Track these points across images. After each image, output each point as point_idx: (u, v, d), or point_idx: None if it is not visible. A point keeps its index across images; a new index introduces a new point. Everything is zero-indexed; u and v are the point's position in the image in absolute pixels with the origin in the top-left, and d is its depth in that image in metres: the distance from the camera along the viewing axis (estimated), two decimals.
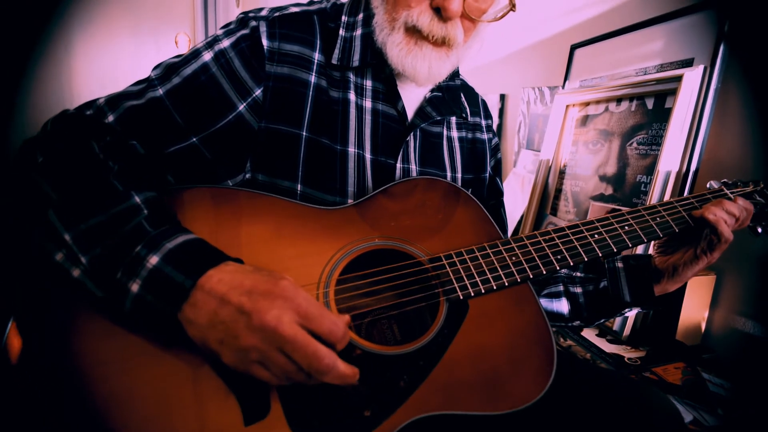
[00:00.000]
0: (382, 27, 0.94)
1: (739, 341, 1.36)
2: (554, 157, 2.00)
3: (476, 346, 0.81)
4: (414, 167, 1.04)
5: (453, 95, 1.15)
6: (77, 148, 0.76)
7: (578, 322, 1.13)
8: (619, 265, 1.09)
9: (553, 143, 2.00)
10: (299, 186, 0.93)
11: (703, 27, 1.54)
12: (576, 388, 0.88)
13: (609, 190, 1.71)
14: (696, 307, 1.41)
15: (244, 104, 0.89)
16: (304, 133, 0.93)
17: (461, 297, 0.84)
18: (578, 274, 1.15)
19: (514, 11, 0.94)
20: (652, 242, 1.19)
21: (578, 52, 2.04)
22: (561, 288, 1.14)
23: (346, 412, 0.72)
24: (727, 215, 1.00)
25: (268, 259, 0.79)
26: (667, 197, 1.47)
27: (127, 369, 0.68)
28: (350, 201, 0.95)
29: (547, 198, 2.02)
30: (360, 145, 0.98)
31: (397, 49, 0.93)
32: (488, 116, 1.26)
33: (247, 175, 0.92)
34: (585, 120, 1.90)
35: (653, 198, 1.49)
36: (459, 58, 0.98)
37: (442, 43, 0.92)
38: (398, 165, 1.01)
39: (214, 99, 0.88)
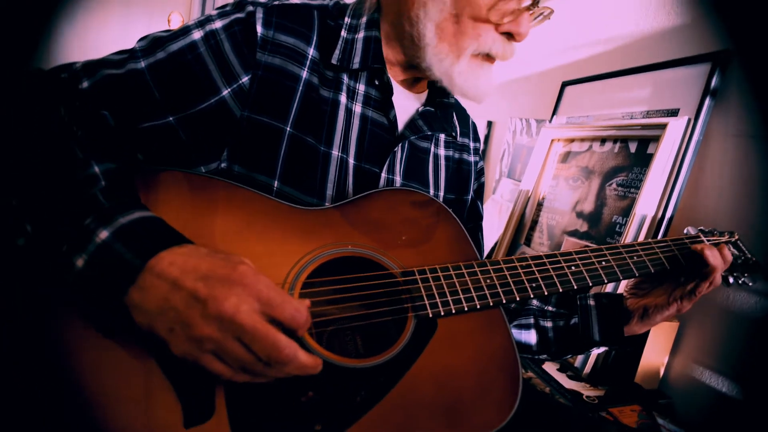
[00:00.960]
0: (441, 58, 0.93)
1: (696, 391, 1.34)
2: (534, 188, 1.99)
3: (441, 368, 0.76)
4: (398, 179, 1.01)
5: (445, 112, 1.12)
6: (41, 109, 0.70)
7: (545, 356, 1.10)
8: (591, 302, 1.07)
9: (535, 175, 1.99)
10: (276, 182, 0.88)
11: (691, 80, 1.55)
12: (535, 421, 0.85)
13: (584, 227, 1.69)
14: (657, 352, 1.39)
15: (229, 90, 0.84)
16: (288, 129, 0.88)
17: (431, 315, 0.80)
18: (549, 308, 1.13)
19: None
20: (625, 281, 1.17)
21: (569, 89, 2.04)
22: (531, 320, 1.11)
23: (295, 424, 0.67)
24: (722, 262, 0.99)
25: (233, 251, 0.73)
26: (641, 240, 1.46)
27: (74, 352, 0.62)
28: (327, 204, 0.91)
29: (522, 228, 2.00)
30: (344, 149, 0.94)
31: (463, 77, 0.93)
32: (477, 139, 1.23)
33: (223, 165, 0.87)
34: (568, 156, 1.90)
35: (627, 239, 1.48)
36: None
37: (491, 59, 0.94)
38: (383, 174, 0.98)
39: (198, 80, 0.83)
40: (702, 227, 1.16)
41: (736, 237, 1.13)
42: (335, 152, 0.93)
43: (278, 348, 0.58)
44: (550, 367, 1.47)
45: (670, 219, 1.46)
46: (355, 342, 0.85)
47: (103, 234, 0.61)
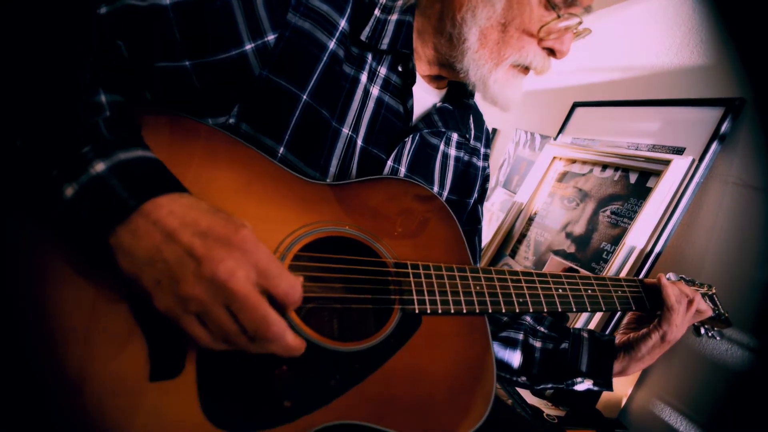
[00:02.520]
0: (480, 64, 0.90)
1: (653, 427, 1.35)
2: (528, 202, 1.98)
3: (418, 366, 0.74)
4: (403, 170, 0.98)
5: (463, 113, 1.09)
6: (52, 27, 0.66)
7: (524, 378, 1.08)
8: (585, 334, 1.07)
9: (531, 189, 1.97)
10: (282, 149, 0.85)
11: (701, 121, 1.54)
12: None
13: (571, 248, 1.69)
14: (622, 382, 1.39)
15: (252, 45, 0.80)
16: (305, 97, 0.85)
17: (417, 311, 0.78)
18: (541, 329, 1.11)
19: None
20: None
21: (579, 110, 2.03)
22: (521, 336, 1.09)
23: (265, 397, 0.64)
24: (679, 292, 1.02)
25: (229, 211, 0.70)
26: (625, 271, 1.46)
27: (44, 283, 0.58)
28: (328, 181, 0.88)
29: (510, 239, 1.99)
30: (355, 129, 0.91)
31: (498, 85, 0.91)
32: (488, 146, 1.21)
33: (231, 120, 0.83)
34: (567, 175, 1.89)
35: (612, 268, 1.48)
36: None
37: (525, 69, 0.93)
38: (389, 162, 0.95)
39: (223, 28, 0.78)
40: (683, 275, 1.16)
41: (713, 290, 1.14)
42: (346, 130, 0.90)
43: (267, 323, 0.55)
44: None
45: (658, 254, 1.46)
46: (332, 325, 0.82)
47: (100, 166, 0.57)
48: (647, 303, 1.04)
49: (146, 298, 0.56)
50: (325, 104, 0.87)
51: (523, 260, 1.88)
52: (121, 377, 0.58)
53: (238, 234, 0.57)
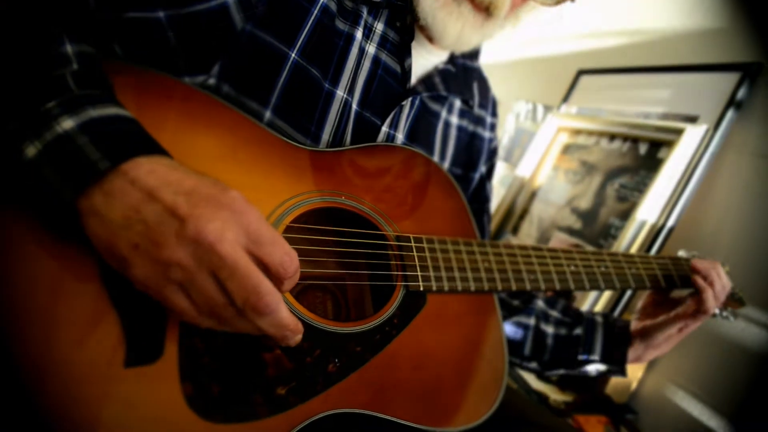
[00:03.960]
0: None
1: (665, 411, 1.34)
2: (531, 177, 1.95)
3: (424, 348, 0.72)
4: (400, 137, 0.94)
5: (467, 77, 1.05)
6: None
7: (534, 364, 1.08)
8: (599, 319, 1.06)
9: (534, 163, 1.95)
10: (268, 113, 0.80)
11: (715, 88, 1.52)
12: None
13: (577, 225, 1.66)
14: (633, 365, 1.38)
15: None
16: (293, 55, 0.80)
17: (421, 288, 0.75)
18: (554, 313, 1.10)
19: (573, 1, 0.86)
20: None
21: (584, 78, 2.00)
22: (532, 322, 1.08)
23: (256, 384, 0.60)
24: (717, 282, 1.00)
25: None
26: (636, 247, 1.45)
27: (5, 255, 0.53)
28: (321, 148, 0.84)
29: (511, 216, 1.97)
30: (350, 91, 0.87)
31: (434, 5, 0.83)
32: (495, 114, 1.17)
33: (211, 80, 0.78)
34: (572, 148, 1.86)
35: (622, 245, 1.46)
36: (491, 32, 0.89)
37: (484, 8, 0.83)
38: (384, 128, 0.91)
39: None
40: (696, 252, 1.15)
41: (727, 268, 1.12)
42: (340, 93, 0.86)
43: (259, 293, 0.51)
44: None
45: (670, 230, 1.44)
46: (325, 305, 0.79)
47: (68, 123, 0.53)
48: (663, 283, 1.02)
49: (122, 267, 0.52)
50: (316, 63, 0.82)
51: (525, 238, 1.86)
52: (92, 363, 0.54)
53: (227, 194, 0.53)
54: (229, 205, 0.52)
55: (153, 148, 0.56)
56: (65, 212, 0.53)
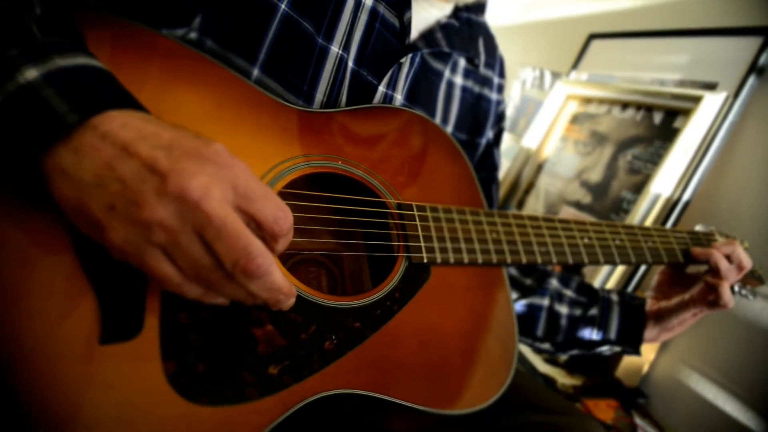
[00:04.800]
0: None
1: (678, 394, 1.33)
2: (538, 148, 1.92)
3: (428, 324, 0.69)
4: (399, 98, 0.90)
5: (472, 32, 1.01)
6: None
7: (547, 345, 1.06)
8: (615, 297, 1.05)
9: (541, 133, 1.93)
10: (256, 70, 0.76)
11: (736, 53, 1.49)
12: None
13: (587, 199, 1.64)
14: (644, 347, 1.36)
15: None
16: (283, 6, 0.76)
17: (425, 260, 0.72)
18: (568, 292, 1.09)
19: None
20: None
21: (595, 42, 1.96)
22: (546, 302, 1.06)
23: (246, 362, 0.58)
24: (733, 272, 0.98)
25: None
26: (649, 222, 1.43)
27: None
28: (314, 108, 0.80)
29: (516, 189, 1.95)
30: (346, 47, 0.83)
31: None
32: (503, 75, 1.13)
33: (192, 34, 0.74)
34: (582, 117, 1.82)
35: (635, 220, 1.43)
36: None
37: None
38: (381, 88, 0.87)
39: None
40: (713, 227, 1.13)
41: (746, 245, 1.11)
42: (335, 48, 0.82)
43: (249, 254, 0.48)
44: (525, 348, 1.44)
45: (686, 204, 1.42)
46: (319, 280, 0.76)
47: (31, 73, 0.49)
48: (681, 258, 1.00)
49: (96, 232, 0.49)
50: (309, 15, 0.79)
51: (531, 213, 1.84)
52: (66, 341, 0.51)
53: (210, 147, 0.50)
54: (213, 158, 0.49)
55: (127, 101, 0.53)
56: (30, 173, 0.49)
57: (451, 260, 0.74)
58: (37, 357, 0.50)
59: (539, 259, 0.82)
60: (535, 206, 1.84)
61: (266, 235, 0.51)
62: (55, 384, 0.50)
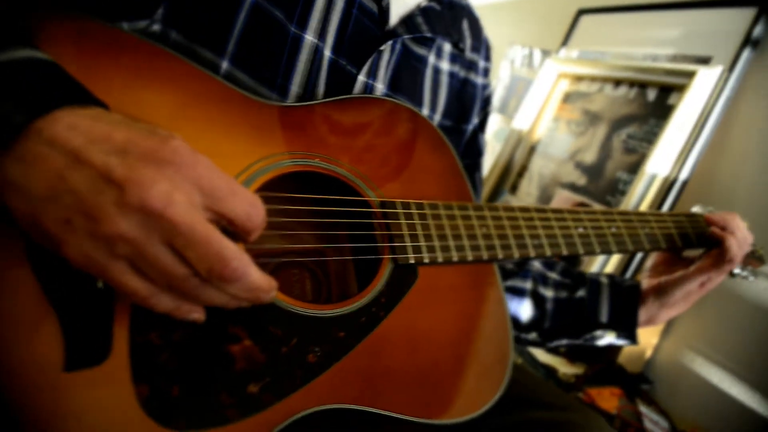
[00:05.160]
0: None
1: (683, 378, 1.33)
2: (530, 129, 1.91)
3: (417, 329, 0.67)
4: (381, 87, 0.88)
5: (455, 15, 0.98)
6: None
7: (533, 335, 1.03)
8: (604, 279, 1.02)
9: (532, 114, 1.91)
10: (225, 63, 0.73)
11: (729, 26, 1.47)
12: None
13: (582, 181, 1.62)
14: (646, 331, 1.36)
15: None
16: None
17: (411, 260, 0.70)
18: (553, 275, 1.06)
19: None
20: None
21: (585, 18, 1.93)
22: (529, 285, 1.03)
23: (224, 381, 0.55)
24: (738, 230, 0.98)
25: None
26: (646, 203, 1.41)
27: None
28: (288, 102, 0.78)
29: (508, 173, 1.93)
30: (321, 35, 0.80)
31: None
32: (489, 58, 1.11)
33: (155, 27, 0.70)
34: (574, 96, 1.80)
35: (631, 201, 1.42)
36: None
37: None
38: (360, 78, 0.85)
39: None
40: (712, 207, 1.12)
41: (746, 225, 1.09)
42: (309, 37, 0.79)
43: (224, 258, 0.46)
44: None
45: (684, 183, 1.40)
46: (303, 284, 0.74)
47: None
48: (679, 242, 0.99)
49: (54, 247, 0.46)
50: (279, 3, 0.76)
51: (525, 197, 1.82)
52: (26, 371, 0.48)
53: (168, 145, 0.47)
54: (172, 158, 0.47)
55: (75, 95, 0.50)
56: None
57: (440, 259, 0.72)
58: None
59: (532, 253, 0.80)
60: (528, 189, 1.82)
61: (239, 232, 0.50)
62: (21, 418, 0.48)
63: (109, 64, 0.61)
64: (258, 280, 0.49)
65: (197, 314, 0.51)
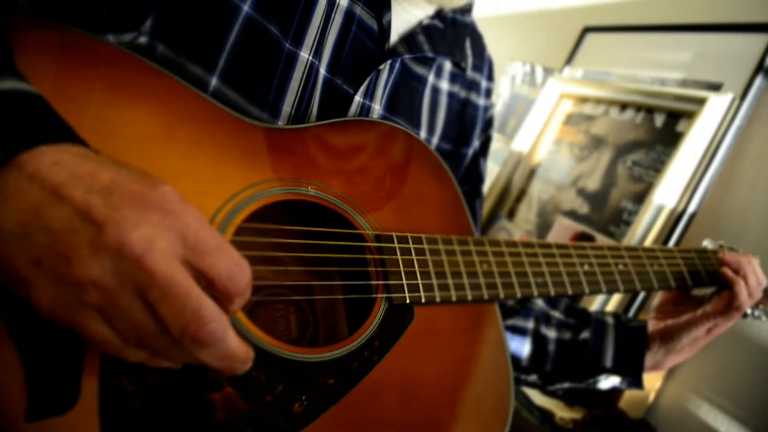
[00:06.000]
0: None
1: (686, 425, 1.32)
2: (529, 151, 1.92)
3: (412, 375, 0.66)
4: (378, 108, 0.89)
5: (458, 33, 0.99)
6: None
7: (534, 377, 1.03)
8: (609, 320, 1.03)
9: (532, 135, 1.92)
10: (214, 79, 0.73)
11: (742, 51, 1.50)
12: None
13: (584, 209, 1.63)
14: (649, 374, 1.36)
15: None
16: (245, 8, 0.74)
17: (407, 300, 0.70)
18: (556, 314, 1.06)
19: None
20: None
21: (590, 36, 1.96)
22: (530, 325, 1.04)
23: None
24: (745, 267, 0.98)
25: (142, 166, 0.58)
26: (653, 235, 1.42)
27: None
28: (280, 124, 0.78)
29: (506, 197, 1.94)
30: (317, 52, 0.81)
31: None
32: (491, 77, 1.12)
33: (142, 39, 0.70)
34: (576, 118, 1.82)
35: (637, 232, 1.42)
36: None
37: None
38: (357, 98, 0.85)
39: None
40: (722, 242, 1.13)
41: (757, 260, 1.10)
42: (304, 54, 0.79)
43: (201, 319, 0.44)
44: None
45: (692, 215, 1.41)
46: (287, 321, 0.73)
47: None
48: (690, 281, 0.99)
49: (21, 290, 0.45)
50: (275, 17, 0.76)
51: (523, 223, 1.82)
52: None
53: (156, 190, 0.46)
54: (160, 204, 0.46)
55: (61, 133, 0.49)
56: None
57: (437, 299, 0.72)
58: None
59: (535, 292, 0.81)
60: (527, 215, 1.82)
61: (219, 295, 0.48)
62: None
63: (89, 77, 0.61)
64: (235, 348, 0.48)
65: (169, 363, 0.50)
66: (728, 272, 0.98)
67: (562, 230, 1.66)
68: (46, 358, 0.49)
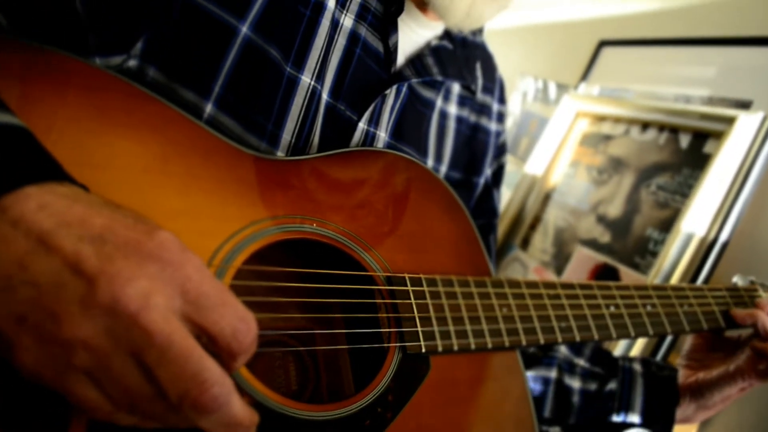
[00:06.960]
0: None
1: None
2: (543, 175, 1.92)
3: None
4: (383, 135, 0.90)
5: (468, 55, 1.01)
6: None
7: (557, 429, 1.04)
8: (637, 368, 1.03)
9: (547, 157, 1.93)
10: (209, 106, 0.74)
11: None
12: None
13: (605, 237, 1.62)
14: (678, 427, 1.34)
15: None
16: (244, 30, 0.75)
17: (423, 349, 0.69)
18: (581, 362, 1.07)
19: None
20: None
21: (607, 50, 1.98)
22: (553, 374, 1.04)
23: None
24: None
25: (135, 203, 0.58)
26: (682, 267, 1.40)
27: None
28: (280, 154, 0.78)
29: (519, 225, 1.94)
30: (319, 76, 0.81)
31: None
32: (503, 100, 1.14)
33: (132, 62, 0.71)
34: (594, 138, 1.82)
35: (664, 264, 1.41)
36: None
37: None
38: (361, 125, 0.87)
39: None
40: (753, 277, 1.11)
41: None
42: (306, 78, 0.80)
43: (203, 384, 0.43)
44: None
45: (724, 245, 1.40)
46: (286, 371, 0.73)
47: None
48: (723, 323, 0.98)
49: (3, 349, 0.44)
50: (276, 40, 0.77)
51: (539, 253, 1.82)
52: None
53: (154, 237, 0.46)
54: (158, 254, 0.45)
55: (48, 171, 0.48)
56: None
57: (455, 347, 0.71)
58: None
59: (560, 338, 0.81)
60: (543, 245, 1.82)
61: (222, 353, 0.47)
62: None
63: (75, 105, 0.61)
64: (239, 414, 0.46)
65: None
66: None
67: (582, 261, 1.65)
68: (28, 423, 0.48)
